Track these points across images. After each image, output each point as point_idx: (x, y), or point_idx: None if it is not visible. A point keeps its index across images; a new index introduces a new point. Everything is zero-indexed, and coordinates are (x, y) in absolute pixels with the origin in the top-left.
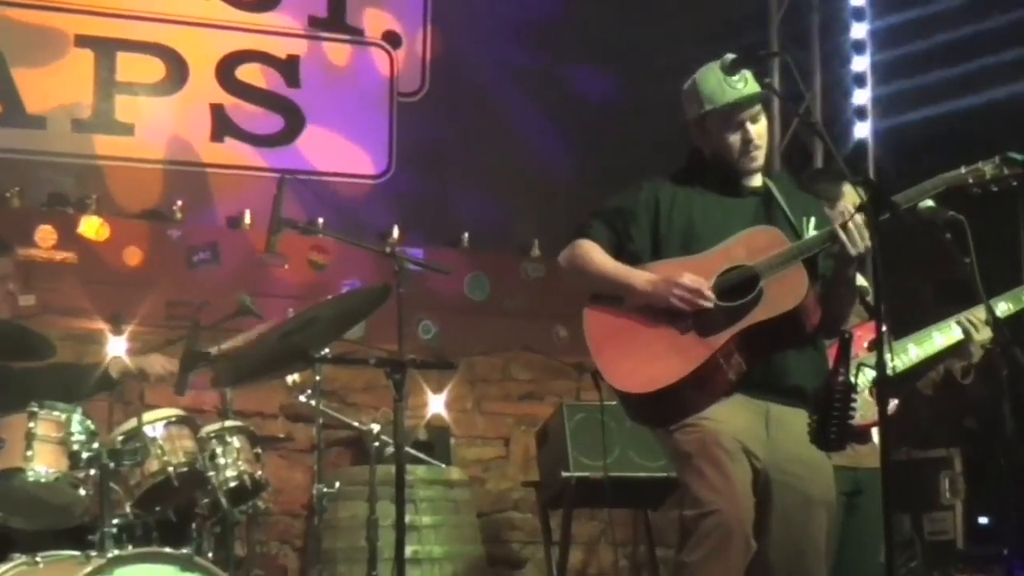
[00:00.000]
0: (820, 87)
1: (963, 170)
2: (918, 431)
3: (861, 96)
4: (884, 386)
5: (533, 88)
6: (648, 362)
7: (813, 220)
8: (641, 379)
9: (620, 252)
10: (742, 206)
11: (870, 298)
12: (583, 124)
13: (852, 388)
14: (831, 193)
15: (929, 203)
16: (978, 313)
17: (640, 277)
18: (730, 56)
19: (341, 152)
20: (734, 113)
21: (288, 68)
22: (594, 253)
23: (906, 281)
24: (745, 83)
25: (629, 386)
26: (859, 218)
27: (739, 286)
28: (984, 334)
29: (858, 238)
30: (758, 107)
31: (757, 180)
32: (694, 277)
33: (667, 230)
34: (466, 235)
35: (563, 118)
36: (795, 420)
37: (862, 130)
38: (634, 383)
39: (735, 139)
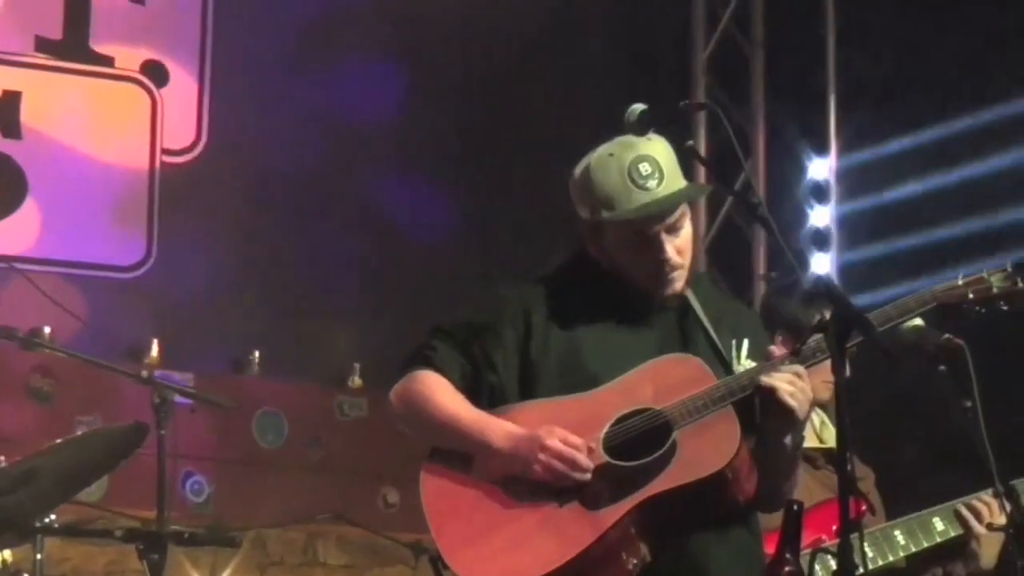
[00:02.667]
0: (764, 151)
1: (960, 281)
2: None
3: (821, 167)
4: None
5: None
6: (510, 545)
7: (747, 343)
8: (500, 568)
9: (476, 387)
10: (649, 323)
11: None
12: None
13: None
14: (797, 318)
15: (916, 322)
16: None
17: (498, 431)
18: (638, 107)
19: (80, 233)
20: (646, 226)
21: (6, 111)
22: (438, 389)
23: (884, 435)
24: (660, 177)
25: None
26: (792, 368)
27: (643, 438)
28: (998, 520)
29: (797, 387)
30: (680, 211)
31: None
32: (566, 437)
33: (541, 357)
34: (256, 354)
35: (396, 190)
36: None
37: (821, 216)
38: (490, 573)
39: (645, 260)
